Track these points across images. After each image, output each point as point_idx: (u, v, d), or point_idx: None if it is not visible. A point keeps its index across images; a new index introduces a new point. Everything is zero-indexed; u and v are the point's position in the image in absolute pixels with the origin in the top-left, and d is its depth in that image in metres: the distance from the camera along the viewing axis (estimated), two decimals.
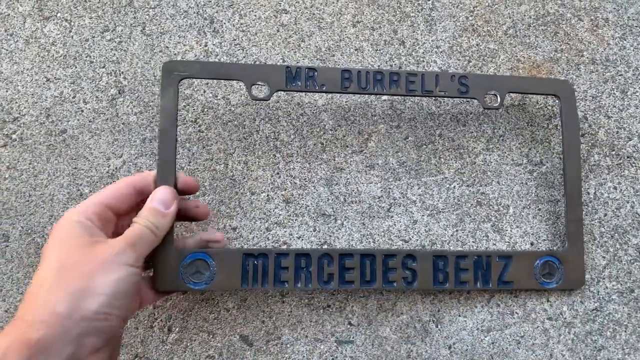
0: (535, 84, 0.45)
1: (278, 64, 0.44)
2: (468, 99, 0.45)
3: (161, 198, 0.37)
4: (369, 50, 0.49)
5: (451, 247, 0.43)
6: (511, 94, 0.45)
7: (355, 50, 0.49)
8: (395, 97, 0.47)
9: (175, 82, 0.41)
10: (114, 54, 0.49)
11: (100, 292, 0.31)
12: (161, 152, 0.39)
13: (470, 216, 0.44)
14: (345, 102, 0.47)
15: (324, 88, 0.42)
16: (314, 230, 0.44)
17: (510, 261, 0.41)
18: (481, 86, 0.43)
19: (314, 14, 0.49)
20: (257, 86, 0.42)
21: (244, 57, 0.49)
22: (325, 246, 0.43)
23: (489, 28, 0.49)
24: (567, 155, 0.42)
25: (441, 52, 0.49)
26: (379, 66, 0.48)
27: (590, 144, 0.45)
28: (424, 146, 0.46)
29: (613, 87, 0.47)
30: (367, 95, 0.46)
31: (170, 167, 0.39)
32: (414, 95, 0.43)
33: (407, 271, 0.40)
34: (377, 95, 0.46)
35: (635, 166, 0.45)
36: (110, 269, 0.32)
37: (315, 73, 0.42)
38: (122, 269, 0.32)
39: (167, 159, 0.39)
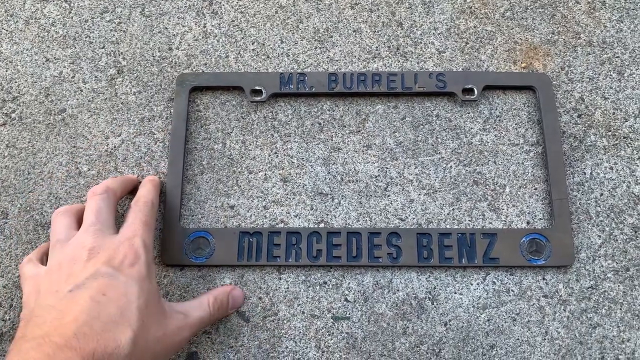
0: (512, 77, 0.46)
1: (273, 71, 0.47)
2: (446, 94, 0.47)
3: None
4: (367, 31, 0.49)
5: (447, 226, 0.43)
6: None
7: (354, 31, 0.49)
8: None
9: (186, 90, 0.46)
10: (113, 35, 0.49)
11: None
12: (172, 147, 0.45)
13: (467, 195, 0.44)
14: None
15: (313, 89, 0.47)
16: (311, 209, 0.44)
17: (495, 238, 0.42)
18: (458, 82, 0.46)
19: None
20: (255, 90, 0.47)
21: (242, 38, 0.49)
22: (322, 224, 0.43)
23: (486, 10, 0.50)
24: (548, 144, 0.44)
25: (439, 34, 0.49)
26: (377, 47, 0.48)
27: (586, 124, 0.46)
28: (421, 126, 0.46)
29: (610, 68, 0.47)
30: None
31: (178, 159, 0.44)
32: (395, 94, 0.46)
33: (392, 248, 0.42)
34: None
35: (632, 147, 0.45)
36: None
37: (305, 77, 0.47)
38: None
39: (176, 152, 0.45)
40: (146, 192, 0.41)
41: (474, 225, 0.43)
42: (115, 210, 0.40)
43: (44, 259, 0.39)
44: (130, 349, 0.30)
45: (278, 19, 0.50)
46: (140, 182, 0.43)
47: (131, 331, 0.31)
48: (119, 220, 0.42)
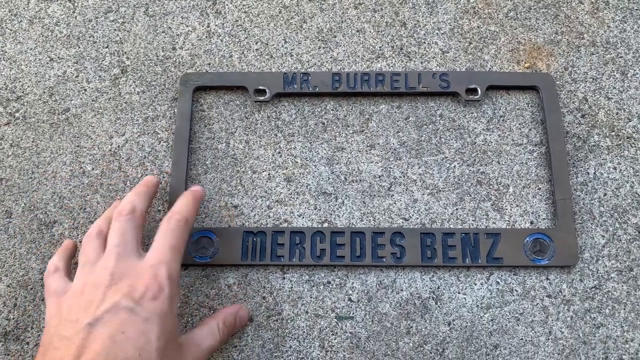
0: (515, 77, 0.46)
1: (277, 71, 0.47)
2: (450, 94, 0.47)
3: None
4: (370, 31, 0.49)
5: (451, 226, 0.43)
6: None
7: (357, 31, 0.49)
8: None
9: (190, 89, 0.46)
10: (117, 35, 0.50)
11: None
12: (176, 146, 0.45)
13: (470, 195, 0.44)
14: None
15: (317, 89, 0.46)
16: (315, 209, 0.44)
17: (499, 238, 0.42)
18: (461, 82, 0.46)
19: None
20: (259, 90, 0.47)
21: (246, 37, 0.49)
22: (326, 224, 0.43)
23: (490, 10, 0.50)
24: (552, 144, 0.44)
25: (442, 33, 0.49)
26: (380, 47, 0.49)
27: (590, 125, 0.46)
28: (425, 126, 0.46)
29: (613, 69, 0.47)
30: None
31: (182, 159, 0.44)
32: (399, 93, 0.46)
33: (395, 247, 0.42)
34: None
35: (635, 147, 0.45)
36: None
37: (309, 77, 0.47)
38: None
39: (180, 152, 0.45)
40: (181, 208, 0.37)
41: (477, 225, 0.43)
42: (143, 229, 0.38)
43: (70, 270, 0.38)
44: None
45: (282, 18, 0.50)
46: (159, 183, 0.41)
47: None
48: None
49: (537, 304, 0.41)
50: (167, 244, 0.35)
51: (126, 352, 0.30)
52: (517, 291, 0.41)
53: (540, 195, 0.44)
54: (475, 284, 0.42)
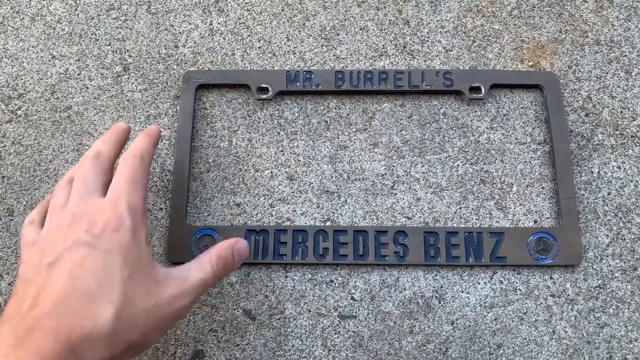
0: (519, 76, 0.46)
1: (280, 69, 0.47)
2: (453, 93, 0.47)
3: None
4: (373, 29, 0.49)
5: (454, 225, 0.43)
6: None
7: (360, 29, 0.49)
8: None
9: (192, 87, 0.46)
10: (120, 32, 0.49)
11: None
12: (178, 145, 0.45)
13: (474, 194, 0.44)
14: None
15: (320, 87, 0.46)
16: (318, 207, 0.44)
17: (502, 237, 0.42)
18: (465, 80, 0.46)
19: None
20: (261, 88, 0.47)
21: (249, 35, 0.49)
22: (328, 223, 0.43)
23: (493, 9, 0.49)
24: (556, 143, 0.44)
25: (446, 32, 0.49)
26: (383, 45, 0.48)
27: (594, 123, 0.45)
28: (428, 125, 0.46)
29: (617, 67, 0.47)
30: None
31: (184, 157, 0.44)
32: (402, 92, 0.46)
33: (398, 246, 0.42)
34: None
35: (639, 146, 0.45)
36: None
37: (312, 75, 0.47)
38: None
39: (182, 150, 0.44)
40: (136, 145, 0.37)
41: (481, 224, 0.43)
42: (109, 173, 0.36)
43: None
44: (111, 327, 0.28)
45: (284, 16, 0.50)
46: (129, 129, 0.40)
47: (112, 307, 0.28)
48: None
49: (541, 303, 0.41)
50: (123, 178, 0.34)
51: (86, 285, 0.29)
52: (520, 290, 0.41)
53: (544, 194, 0.44)
54: (479, 283, 0.41)
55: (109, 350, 0.28)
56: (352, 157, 0.45)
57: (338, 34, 0.49)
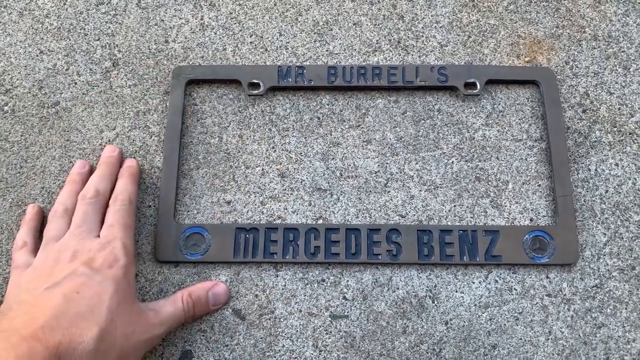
0: (515, 71, 0.45)
1: (271, 64, 0.46)
2: (448, 89, 0.46)
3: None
4: (367, 24, 0.48)
5: (449, 223, 0.42)
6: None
7: (354, 24, 0.48)
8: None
9: (182, 83, 0.45)
10: (109, 27, 0.49)
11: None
12: (167, 141, 0.44)
13: (469, 192, 0.43)
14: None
15: (312, 83, 0.45)
16: (309, 205, 0.43)
17: (497, 236, 0.41)
18: (460, 76, 0.45)
19: None
20: (253, 84, 0.45)
21: (240, 30, 0.48)
22: (320, 221, 0.42)
23: (489, 3, 0.49)
24: (552, 140, 0.43)
25: (441, 27, 0.48)
26: (377, 41, 0.47)
27: (591, 120, 0.45)
28: (422, 121, 0.45)
29: (615, 63, 0.46)
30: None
31: (174, 154, 0.43)
32: (396, 88, 0.45)
33: (391, 245, 0.41)
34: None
35: (637, 143, 0.44)
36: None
37: (304, 71, 0.46)
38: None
39: (172, 146, 0.44)
40: (123, 188, 0.41)
41: (475, 222, 0.42)
42: (105, 208, 0.40)
43: (37, 245, 0.39)
44: (95, 344, 0.31)
45: (277, 11, 0.49)
46: (120, 155, 0.44)
47: (98, 328, 0.32)
48: None
49: (537, 303, 0.40)
50: (117, 223, 0.38)
51: (78, 308, 0.32)
52: (516, 290, 0.40)
53: (540, 191, 0.43)
54: (473, 283, 0.41)
55: None
56: (344, 154, 0.44)
57: (331, 29, 0.48)
